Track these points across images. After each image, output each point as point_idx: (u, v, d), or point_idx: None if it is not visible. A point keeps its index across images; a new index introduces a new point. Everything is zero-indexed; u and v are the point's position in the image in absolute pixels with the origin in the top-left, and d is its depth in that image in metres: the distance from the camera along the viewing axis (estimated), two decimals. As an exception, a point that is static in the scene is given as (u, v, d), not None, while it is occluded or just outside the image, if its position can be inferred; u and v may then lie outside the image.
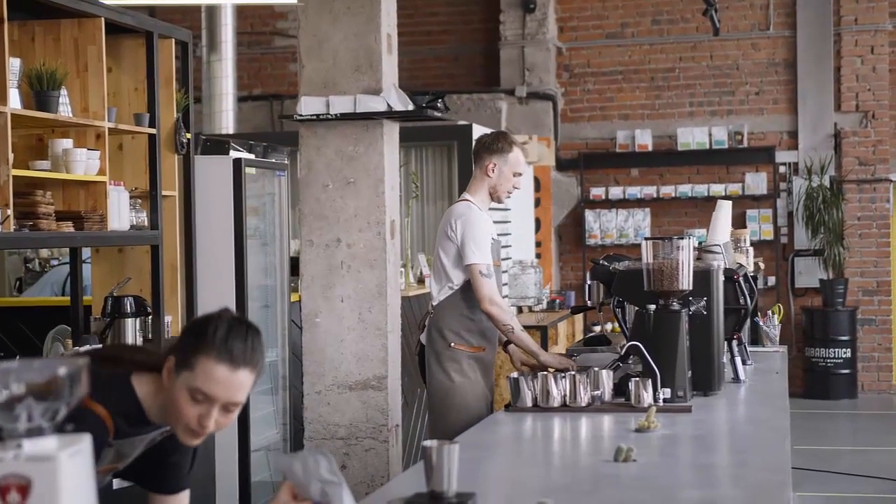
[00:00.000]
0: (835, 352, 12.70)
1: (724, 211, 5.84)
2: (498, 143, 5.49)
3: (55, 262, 8.75)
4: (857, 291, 13.04)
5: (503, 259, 10.08)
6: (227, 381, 2.65)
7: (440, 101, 6.28)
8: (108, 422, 2.69)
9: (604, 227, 13.41)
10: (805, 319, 12.93)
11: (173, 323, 6.02)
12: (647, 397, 4.34)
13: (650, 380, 4.38)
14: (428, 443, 2.81)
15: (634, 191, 13.34)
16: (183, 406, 2.67)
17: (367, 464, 5.89)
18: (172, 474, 2.99)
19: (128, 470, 2.92)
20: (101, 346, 5.09)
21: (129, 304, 5.60)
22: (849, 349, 12.72)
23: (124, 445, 2.80)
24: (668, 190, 13.26)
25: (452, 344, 5.37)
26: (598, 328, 12.00)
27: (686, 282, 4.56)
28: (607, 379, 4.50)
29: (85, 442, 1.83)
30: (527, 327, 9.37)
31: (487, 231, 5.36)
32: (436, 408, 5.42)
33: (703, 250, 5.34)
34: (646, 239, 4.63)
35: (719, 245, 5.39)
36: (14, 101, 4.81)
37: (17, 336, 6.55)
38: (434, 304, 5.47)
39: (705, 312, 4.69)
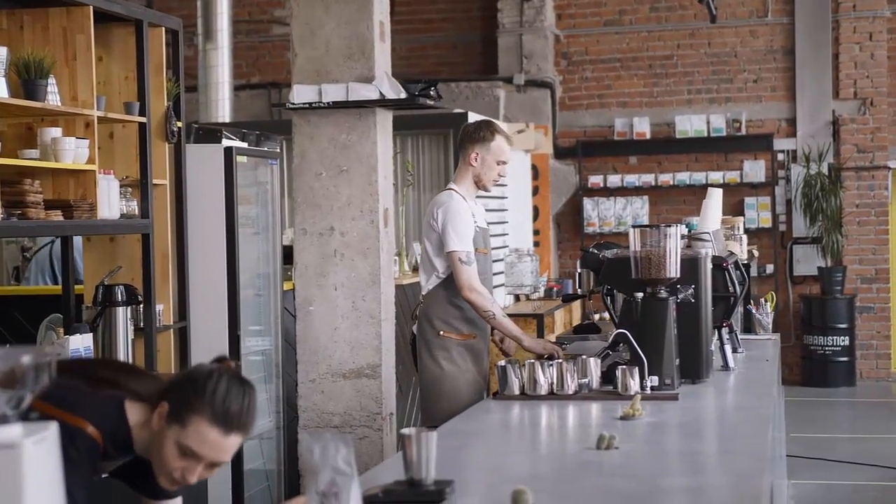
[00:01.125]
0: (833, 339, 12.69)
1: (715, 199, 5.84)
2: (480, 131, 5.49)
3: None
4: (855, 279, 13.03)
5: (495, 248, 10.10)
6: (218, 444, 2.67)
7: (433, 89, 6.28)
8: (100, 442, 2.69)
9: (602, 215, 13.41)
10: (803, 307, 12.93)
11: (164, 311, 6.02)
12: (634, 385, 4.34)
13: (637, 368, 4.38)
14: (406, 431, 2.82)
15: (633, 179, 13.33)
16: (169, 457, 2.68)
17: (362, 452, 5.90)
18: None
19: (121, 472, 2.92)
20: (99, 359, 5.02)
21: (120, 293, 5.60)
22: (847, 337, 12.72)
23: (106, 466, 2.81)
24: (666, 178, 13.25)
25: (441, 332, 5.39)
26: (596, 316, 12.00)
27: (673, 269, 4.56)
28: (595, 367, 4.51)
29: (50, 430, 1.83)
30: (523, 315, 9.44)
31: (468, 219, 5.36)
32: (426, 396, 5.44)
33: (692, 238, 5.34)
34: (633, 227, 4.63)
35: (709, 233, 5.39)
36: (1, 90, 4.81)
37: (13, 325, 6.56)
38: (423, 293, 5.50)
39: (693, 300, 4.69)
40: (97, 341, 5.52)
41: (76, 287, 5.93)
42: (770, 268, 13.01)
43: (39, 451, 1.79)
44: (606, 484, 3.09)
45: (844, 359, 12.73)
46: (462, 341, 5.39)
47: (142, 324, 5.77)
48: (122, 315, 5.62)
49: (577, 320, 11.15)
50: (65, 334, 5.48)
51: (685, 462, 3.45)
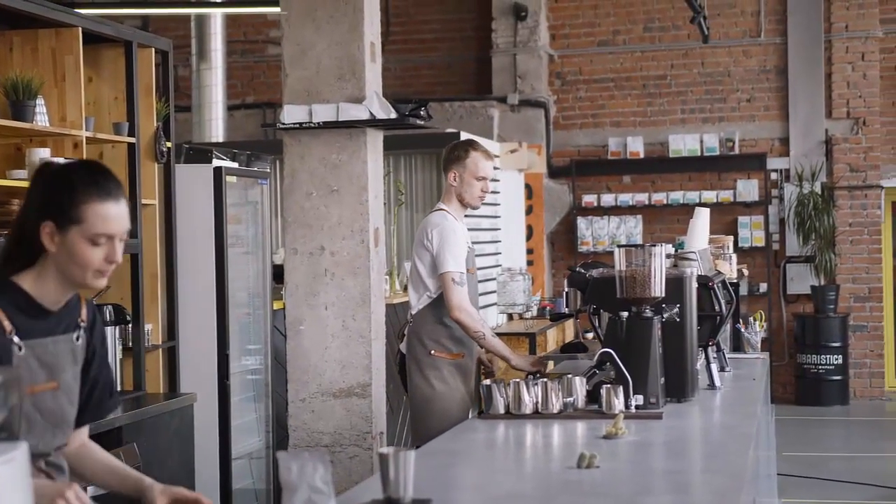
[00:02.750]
0: (826, 358, 12.70)
1: (702, 218, 5.86)
2: (454, 151, 5.62)
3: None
4: (848, 298, 13.04)
5: (487, 267, 10.10)
6: (118, 215, 2.79)
7: (423, 109, 6.30)
8: (1, 316, 2.73)
9: (596, 234, 13.43)
10: (797, 326, 12.94)
11: (153, 331, 6.03)
12: (619, 404, 4.35)
13: (622, 387, 4.39)
14: (384, 450, 2.84)
15: (626, 198, 13.36)
16: (86, 255, 2.76)
17: (352, 471, 5.90)
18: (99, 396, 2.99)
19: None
20: None
21: (108, 313, 5.61)
22: (840, 355, 12.73)
23: (38, 348, 2.80)
24: (659, 197, 13.27)
25: (432, 352, 5.43)
26: (590, 335, 12.01)
27: (658, 289, 4.57)
28: (580, 386, 4.51)
29: (20, 450, 1.85)
30: (516, 334, 9.45)
31: (462, 240, 5.42)
32: (417, 415, 5.46)
33: (678, 257, 5.35)
34: (619, 246, 4.64)
35: (695, 252, 5.40)
36: (-10, 110, 4.85)
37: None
38: (413, 312, 5.55)
39: (678, 319, 4.70)
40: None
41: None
42: (763, 286, 13.02)
43: (8, 471, 1.80)
44: (585, 503, 3.10)
45: (838, 377, 12.74)
46: (452, 360, 5.41)
47: (130, 343, 5.79)
48: (111, 334, 5.63)
49: (569, 339, 11.16)
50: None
51: (665, 481, 3.45)
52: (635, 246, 4.62)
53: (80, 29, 5.33)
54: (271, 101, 13.78)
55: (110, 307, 5.63)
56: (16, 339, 2.76)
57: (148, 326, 5.90)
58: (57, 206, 2.77)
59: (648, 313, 4.59)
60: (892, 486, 8.81)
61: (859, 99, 13.06)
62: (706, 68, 13.42)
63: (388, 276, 8.12)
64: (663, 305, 4.65)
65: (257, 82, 14.20)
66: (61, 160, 2.91)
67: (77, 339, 2.91)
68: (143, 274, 5.83)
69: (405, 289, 8.48)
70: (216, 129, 10.60)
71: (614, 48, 13.59)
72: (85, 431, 3.07)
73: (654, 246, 4.59)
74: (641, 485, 3.36)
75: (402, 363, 5.59)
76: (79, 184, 2.77)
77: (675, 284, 4.73)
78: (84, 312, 2.95)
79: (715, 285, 5.22)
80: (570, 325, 11.78)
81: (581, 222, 13.42)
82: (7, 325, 2.75)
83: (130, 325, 5.78)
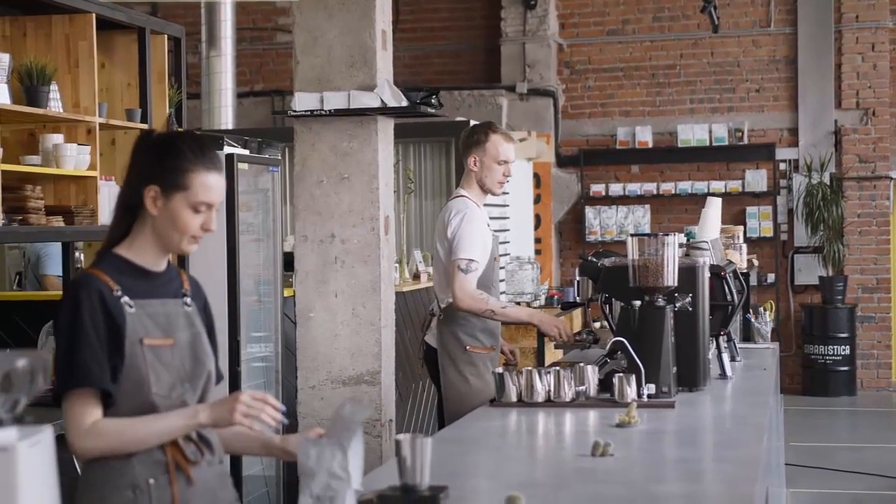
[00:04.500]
0: (834, 349, 12.70)
1: (714, 208, 5.86)
2: (473, 135, 5.47)
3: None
4: (856, 288, 13.04)
5: (501, 255, 10.08)
6: (218, 185, 2.94)
7: (434, 97, 6.29)
8: (104, 277, 2.88)
9: (604, 223, 13.43)
10: (804, 316, 12.93)
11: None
12: (631, 393, 4.35)
13: (634, 375, 4.39)
14: (401, 437, 2.84)
15: (635, 187, 13.35)
16: (187, 221, 2.90)
17: (361, 458, 5.90)
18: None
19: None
20: None
21: (59, 308, 5.60)
22: (848, 346, 12.73)
23: (148, 308, 2.93)
24: (668, 187, 13.27)
25: (468, 347, 5.34)
26: (597, 325, 12.00)
27: (671, 278, 4.57)
28: (592, 374, 4.51)
29: (45, 433, 1.85)
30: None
31: (481, 228, 5.31)
32: (452, 410, 5.34)
33: (690, 247, 5.35)
34: (631, 235, 4.64)
35: (707, 241, 5.40)
36: (4, 96, 4.84)
37: (14, 330, 6.58)
38: (441, 305, 5.42)
39: (690, 309, 4.70)
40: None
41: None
42: (771, 277, 13.02)
43: (34, 454, 1.81)
44: (600, 491, 3.11)
45: (845, 368, 12.74)
46: (487, 354, 5.36)
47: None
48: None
49: (578, 328, 11.16)
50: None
51: (679, 469, 3.46)
52: (648, 235, 4.62)
53: (93, 15, 5.34)
54: (280, 89, 13.78)
55: (63, 303, 5.63)
56: (125, 298, 2.89)
57: (159, 312, 5.90)
58: (164, 172, 2.90)
59: (661, 302, 4.58)
60: (886, 475, 8.82)
61: (869, 89, 13.04)
62: (715, 58, 13.40)
63: (397, 265, 8.12)
64: (676, 295, 4.65)
65: (266, 70, 14.20)
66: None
67: (187, 305, 3.04)
68: (155, 260, 5.83)
69: (415, 277, 8.49)
70: (226, 116, 10.59)
71: (623, 37, 13.58)
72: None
73: (668, 235, 4.59)
74: (656, 473, 3.37)
75: (428, 357, 5.50)
76: (188, 152, 2.91)
77: (688, 274, 4.72)
78: (187, 283, 3.09)
79: (727, 275, 5.22)
80: (578, 314, 11.79)
81: (589, 212, 13.41)
82: (114, 285, 2.89)
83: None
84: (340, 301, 6.02)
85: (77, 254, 6.29)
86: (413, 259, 8.76)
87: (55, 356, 2.85)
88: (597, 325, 11.69)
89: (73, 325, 2.85)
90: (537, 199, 12.94)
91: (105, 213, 5.38)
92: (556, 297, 11.20)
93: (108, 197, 5.40)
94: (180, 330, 2.99)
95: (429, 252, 9.34)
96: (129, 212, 2.96)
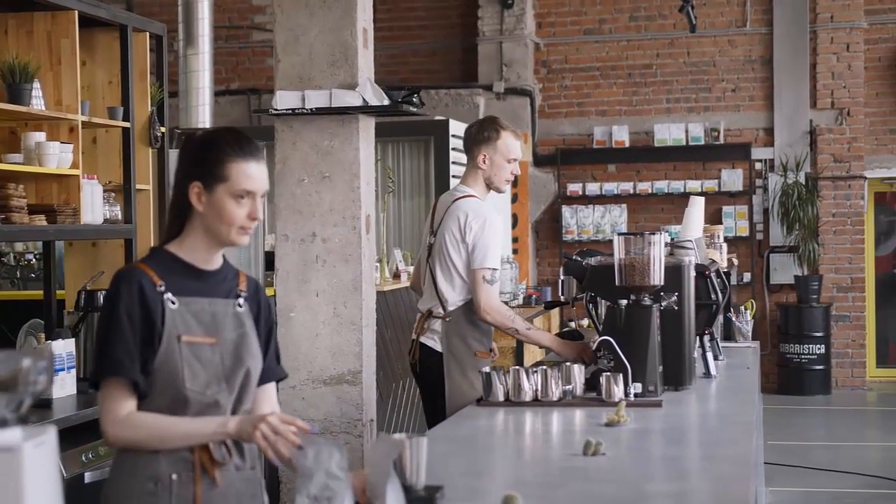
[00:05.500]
0: (809, 348, 12.76)
1: (697, 207, 5.87)
2: (484, 131, 5.29)
3: (30, 257, 8.71)
4: (831, 288, 13.11)
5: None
6: (259, 174, 2.99)
7: (415, 95, 6.29)
8: (149, 271, 2.94)
9: (581, 222, 13.45)
10: (780, 315, 12.99)
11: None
12: (618, 392, 4.36)
13: (621, 375, 4.40)
14: (397, 436, 2.83)
15: (611, 187, 13.38)
16: (232, 212, 2.95)
17: (342, 458, 5.88)
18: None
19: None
20: None
21: (101, 298, 5.57)
22: (823, 345, 12.79)
23: (194, 305, 2.97)
24: (644, 186, 13.30)
25: (477, 352, 5.23)
26: (573, 324, 12.02)
27: (657, 277, 4.58)
28: (579, 374, 4.52)
29: (49, 433, 1.83)
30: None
31: (499, 234, 5.19)
32: (454, 413, 5.25)
33: (675, 246, 5.36)
34: (618, 234, 4.64)
35: (691, 241, 5.40)
36: (-15, 94, 4.81)
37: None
38: (450, 308, 5.25)
39: (676, 308, 4.71)
40: (79, 347, 5.49)
41: (57, 292, 5.91)
42: (747, 276, 13.07)
43: (39, 454, 1.79)
44: (594, 490, 3.10)
45: (820, 367, 12.80)
46: (488, 359, 5.29)
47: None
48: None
49: (555, 327, 11.18)
50: (46, 339, 5.45)
51: (671, 468, 3.47)
52: (635, 234, 4.62)
53: (76, 12, 5.30)
54: (256, 88, 13.75)
55: (104, 293, 5.60)
56: (168, 294, 2.93)
57: (141, 312, 5.86)
58: (204, 167, 2.97)
59: (647, 301, 4.59)
60: (875, 474, 8.87)
61: (844, 89, 13.11)
62: (692, 58, 13.44)
63: (377, 264, 8.10)
64: (662, 294, 4.66)
65: (242, 68, 14.15)
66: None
67: (239, 305, 3.05)
68: (137, 259, 5.79)
69: (395, 276, 8.47)
70: (203, 114, 10.50)
71: (600, 37, 13.60)
72: (265, 393, 3.17)
73: (654, 234, 4.59)
74: (649, 472, 3.37)
75: (424, 357, 5.38)
76: (224, 145, 2.98)
77: (674, 273, 4.73)
78: (244, 283, 3.10)
79: (711, 274, 5.23)
80: (555, 313, 11.80)
81: (566, 211, 13.43)
82: (158, 281, 2.93)
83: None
84: (321, 300, 6.01)
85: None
86: (392, 258, 8.75)
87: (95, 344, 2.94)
88: (572, 323, 11.72)
89: (110, 316, 2.91)
90: (514, 199, 12.95)
91: (87, 211, 5.35)
92: (534, 296, 11.21)
93: (90, 195, 5.36)
94: (226, 330, 3.01)
95: (409, 251, 9.33)
96: (180, 212, 3.01)
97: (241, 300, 3.07)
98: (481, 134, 5.31)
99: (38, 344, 5.56)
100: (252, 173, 2.97)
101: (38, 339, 5.64)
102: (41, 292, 6.05)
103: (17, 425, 1.81)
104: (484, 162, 5.30)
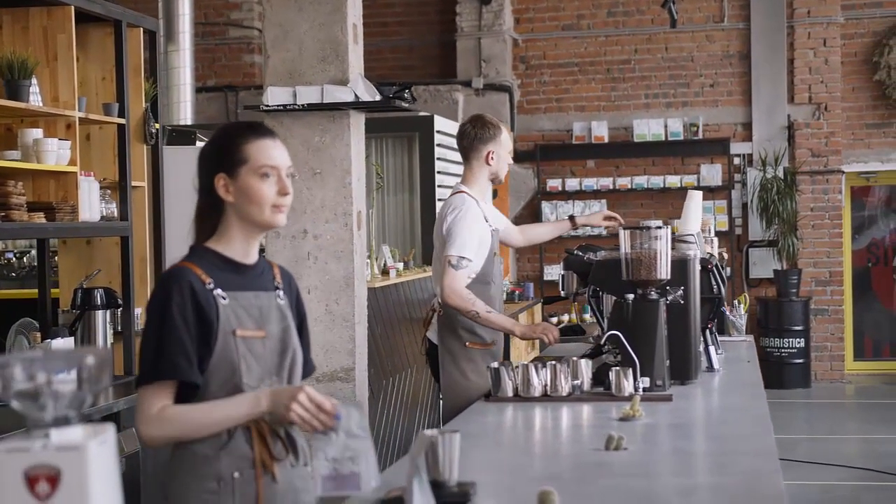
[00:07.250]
0: (788, 341, 12.82)
1: (695, 201, 5.88)
2: (488, 130, 5.43)
3: (10, 255, 8.63)
4: (810, 282, 13.17)
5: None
6: (278, 150, 2.99)
7: (407, 91, 6.26)
8: (197, 269, 2.92)
9: (560, 218, 13.43)
10: (759, 310, 13.04)
11: (143, 315, 5.95)
12: (629, 386, 4.35)
13: (630, 369, 4.39)
14: (429, 432, 2.81)
15: (591, 182, 13.39)
16: (260, 191, 2.94)
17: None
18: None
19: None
20: None
21: (99, 297, 5.53)
22: (802, 339, 12.85)
23: (242, 300, 2.95)
24: (624, 181, 13.32)
25: (468, 343, 5.30)
26: (554, 319, 12.03)
27: (664, 271, 4.57)
28: (586, 369, 4.51)
29: (110, 431, 1.81)
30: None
31: (476, 226, 5.26)
32: (450, 406, 5.30)
33: (676, 240, 5.36)
34: (624, 229, 4.64)
35: (693, 234, 5.41)
36: (-17, 90, 4.75)
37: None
38: (441, 301, 5.33)
39: (682, 301, 4.70)
40: (76, 345, 5.44)
41: (52, 290, 5.85)
42: (727, 271, 13.09)
43: (102, 451, 1.77)
44: (623, 484, 3.09)
45: (800, 361, 12.86)
46: (486, 350, 5.32)
47: (121, 327, 5.71)
48: (101, 319, 5.55)
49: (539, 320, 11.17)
50: (43, 339, 5.40)
51: (693, 462, 3.46)
52: (640, 228, 4.61)
53: (72, 7, 5.24)
54: (233, 84, 13.67)
55: (101, 291, 5.55)
56: (217, 290, 2.92)
57: (138, 310, 5.82)
58: (223, 156, 2.96)
59: (654, 295, 4.59)
60: (855, 466, 8.91)
61: (821, 84, 13.17)
62: (670, 53, 13.47)
63: (367, 261, 8.07)
64: (668, 288, 4.65)
65: (218, 65, 14.06)
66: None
67: (279, 298, 3.04)
68: (133, 258, 5.74)
69: (384, 273, 8.45)
70: (185, 111, 10.46)
71: (578, 32, 13.61)
72: None
73: (660, 228, 4.59)
74: (675, 465, 3.36)
75: (430, 351, 5.45)
76: (234, 130, 3.00)
77: (679, 266, 4.73)
78: (279, 276, 3.09)
79: (713, 267, 5.24)
80: (538, 308, 11.81)
81: (546, 206, 13.43)
82: (206, 278, 2.92)
83: (121, 309, 5.69)
84: (314, 297, 5.98)
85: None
86: (382, 255, 8.72)
87: (142, 345, 2.90)
88: (554, 319, 11.70)
89: (162, 318, 2.87)
90: (494, 195, 12.91)
91: (85, 208, 5.29)
92: (516, 292, 11.23)
93: (87, 192, 5.31)
94: (273, 323, 3.00)
95: (396, 248, 9.31)
96: (212, 211, 2.99)
97: (280, 292, 3.06)
98: (487, 131, 5.42)
99: (31, 343, 5.51)
100: (270, 149, 2.97)
101: (29, 339, 5.59)
102: (24, 291, 6.01)
103: (79, 423, 1.79)
104: (492, 158, 5.42)
